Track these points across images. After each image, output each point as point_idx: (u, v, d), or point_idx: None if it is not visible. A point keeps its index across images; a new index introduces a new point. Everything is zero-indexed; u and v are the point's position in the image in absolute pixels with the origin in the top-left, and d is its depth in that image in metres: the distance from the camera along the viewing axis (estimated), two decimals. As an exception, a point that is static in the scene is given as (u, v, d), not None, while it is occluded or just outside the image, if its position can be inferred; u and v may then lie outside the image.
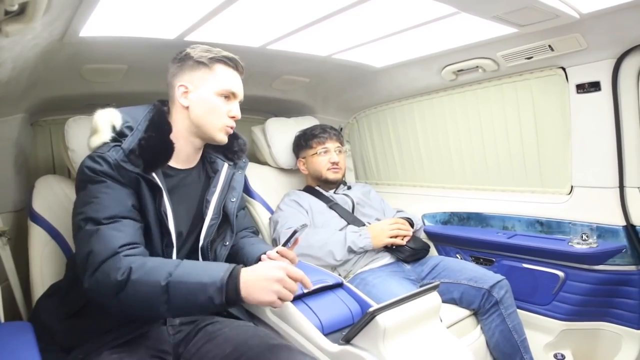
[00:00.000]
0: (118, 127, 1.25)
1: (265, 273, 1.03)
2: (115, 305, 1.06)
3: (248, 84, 2.17)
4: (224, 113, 1.32)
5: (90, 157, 1.21)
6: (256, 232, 1.67)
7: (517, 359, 1.72)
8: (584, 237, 1.75)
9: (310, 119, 2.46)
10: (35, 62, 1.35)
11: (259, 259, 1.39)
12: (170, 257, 1.26)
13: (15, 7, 0.86)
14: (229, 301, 1.02)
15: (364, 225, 2.02)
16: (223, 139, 1.35)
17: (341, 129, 2.75)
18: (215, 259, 1.40)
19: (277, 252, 1.35)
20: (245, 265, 1.40)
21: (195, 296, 1.02)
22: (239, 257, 1.48)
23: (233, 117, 1.34)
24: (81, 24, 1.27)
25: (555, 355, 1.87)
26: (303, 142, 2.24)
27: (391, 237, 1.94)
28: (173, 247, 1.27)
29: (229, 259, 1.51)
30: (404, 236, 1.97)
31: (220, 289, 1.01)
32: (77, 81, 1.72)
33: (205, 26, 1.44)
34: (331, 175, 2.18)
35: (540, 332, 1.89)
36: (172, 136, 1.29)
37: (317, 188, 2.21)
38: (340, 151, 2.22)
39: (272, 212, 2.15)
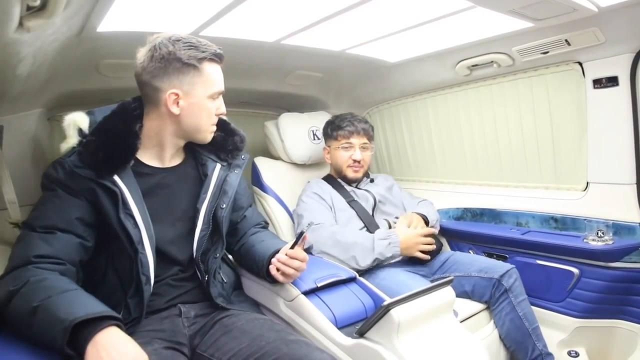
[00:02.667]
0: (85, 130, 1.23)
1: (124, 353, 0.92)
2: (8, 317, 1.01)
3: (261, 79, 2.22)
4: (212, 113, 1.29)
5: (52, 163, 1.21)
6: (266, 225, 1.67)
7: (529, 347, 1.72)
8: (600, 233, 1.73)
9: (324, 114, 2.46)
10: (54, 57, 1.36)
11: (269, 261, 1.39)
12: (147, 271, 1.21)
13: (37, 3, 0.87)
14: (75, 349, 0.91)
15: (378, 227, 1.98)
16: (210, 138, 1.34)
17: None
18: (206, 272, 1.35)
19: (286, 254, 1.35)
20: (257, 263, 1.42)
21: (46, 330, 0.92)
22: (250, 256, 1.48)
23: (220, 114, 1.32)
24: (99, 19, 1.29)
25: (569, 353, 1.86)
26: (329, 131, 2.17)
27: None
28: (147, 257, 1.21)
29: (241, 257, 1.54)
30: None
31: (65, 330, 0.90)
32: (93, 76, 1.74)
33: (220, 21, 1.45)
34: (350, 174, 2.12)
35: (554, 329, 1.87)
36: (151, 137, 1.28)
37: (339, 180, 2.16)
38: (366, 148, 2.14)
39: (284, 206, 2.16)
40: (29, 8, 0.89)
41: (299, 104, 2.59)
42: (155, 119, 1.27)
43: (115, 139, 1.21)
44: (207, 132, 1.32)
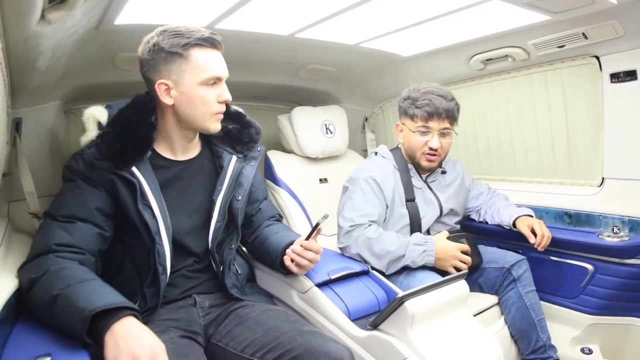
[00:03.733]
0: (104, 123, 1.26)
1: (142, 342, 0.92)
2: (29, 304, 1.03)
3: (274, 73, 2.22)
4: (213, 101, 1.24)
5: (73, 155, 1.24)
6: (280, 218, 1.68)
7: (533, 337, 1.71)
8: (615, 230, 1.72)
9: (337, 108, 2.46)
10: (72, 50, 1.38)
11: (284, 252, 1.40)
12: (164, 261, 1.23)
13: (59, -6, 0.89)
14: (93, 338, 0.93)
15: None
16: (217, 127, 1.29)
17: (366, 119, 2.74)
18: (221, 262, 1.37)
19: (301, 245, 1.36)
20: (271, 254, 1.43)
21: (66, 319, 0.94)
22: (264, 247, 1.49)
23: (223, 102, 1.26)
24: (117, 12, 1.31)
25: (582, 350, 1.84)
26: (406, 107, 1.81)
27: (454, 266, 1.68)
28: (164, 247, 1.23)
29: (254, 248, 1.55)
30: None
31: (84, 320, 0.91)
32: (109, 69, 1.77)
33: (235, 14, 1.46)
34: (424, 163, 1.81)
35: (568, 325, 1.85)
36: (162, 130, 1.28)
37: (410, 167, 1.87)
38: (446, 133, 1.78)
39: (297, 199, 2.16)
40: (51, 0, 0.90)
41: (311, 98, 2.60)
42: (159, 112, 1.29)
43: (130, 130, 1.23)
44: (209, 122, 1.26)
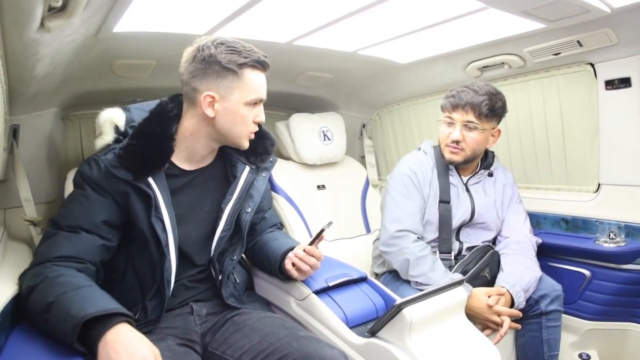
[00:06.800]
0: (122, 127, 1.24)
1: (133, 352, 0.91)
2: (27, 312, 1.03)
3: (272, 80, 2.19)
4: (250, 121, 1.27)
5: (87, 159, 1.22)
6: (281, 227, 1.68)
7: None
8: (612, 235, 1.73)
9: (335, 114, 2.47)
10: (71, 58, 1.39)
11: (284, 256, 1.40)
12: (170, 275, 1.22)
13: (59, 3, 0.89)
14: (87, 346, 0.93)
15: (449, 249, 1.78)
16: (247, 144, 1.31)
17: (364, 125, 2.75)
18: (221, 272, 1.36)
19: (304, 250, 1.36)
20: (270, 259, 1.43)
21: (59, 326, 0.93)
22: (263, 252, 1.49)
23: (259, 122, 1.30)
24: (115, 20, 1.31)
25: (580, 355, 1.84)
26: (443, 99, 1.80)
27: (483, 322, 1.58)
28: (170, 261, 1.22)
29: (253, 253, 1.55)
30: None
31: (75, 327, 0.90)
32: (107, 76, 1.77)
33: (234, 22, 1.46)
34: (447, 155, 1.76)
35: (566, 331, 1.84)
36: (186, 138, 1.26)
37: (451, 167, 1.81)
38: (471, 127, 1.70)
39: (295, 207, 2.16)
40: (50, 9, 0.91)
41: (309, 105, 2.60)
42: (191, 119, 1.26)
43: (153, 142, 1.21)
44: (242, 139, 1.28)
